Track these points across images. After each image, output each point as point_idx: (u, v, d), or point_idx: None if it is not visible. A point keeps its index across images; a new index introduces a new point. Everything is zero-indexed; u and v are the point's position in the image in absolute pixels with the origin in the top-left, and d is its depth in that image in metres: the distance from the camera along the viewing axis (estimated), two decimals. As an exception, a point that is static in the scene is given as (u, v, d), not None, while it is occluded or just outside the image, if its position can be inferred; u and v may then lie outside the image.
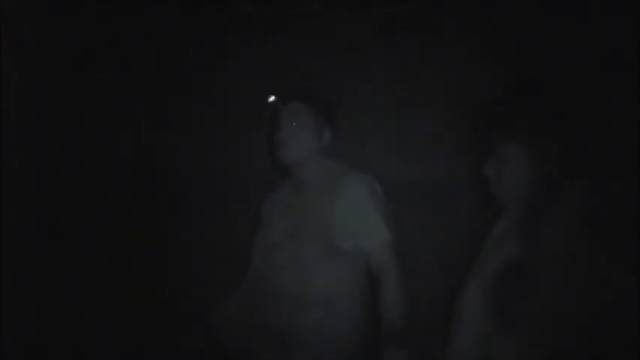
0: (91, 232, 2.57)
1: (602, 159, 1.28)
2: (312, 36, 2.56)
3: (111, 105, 2.68)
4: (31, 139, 2.46)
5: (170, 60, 2.72)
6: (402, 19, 2.45)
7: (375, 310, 1.81)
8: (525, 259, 1.17)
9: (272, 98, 1.93)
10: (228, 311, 1.89)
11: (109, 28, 2.62)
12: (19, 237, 2.32)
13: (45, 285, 2.41)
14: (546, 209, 1.20)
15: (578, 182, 1.21)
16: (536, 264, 1.15)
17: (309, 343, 1.77)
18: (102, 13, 2.57)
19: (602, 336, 1.08)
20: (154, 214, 2.67)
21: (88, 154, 2.63)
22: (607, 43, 2.03)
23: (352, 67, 2.50)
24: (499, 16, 2.25)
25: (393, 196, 1.95)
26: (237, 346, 1.87)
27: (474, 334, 1.24)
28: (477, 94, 1.34)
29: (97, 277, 2.54)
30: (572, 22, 2.12)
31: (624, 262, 1.11)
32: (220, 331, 1.87)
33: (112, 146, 2.68)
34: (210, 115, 2.71)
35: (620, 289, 1.09)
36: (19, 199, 2.35)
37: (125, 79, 2.67)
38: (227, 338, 1.87)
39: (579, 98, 1.30)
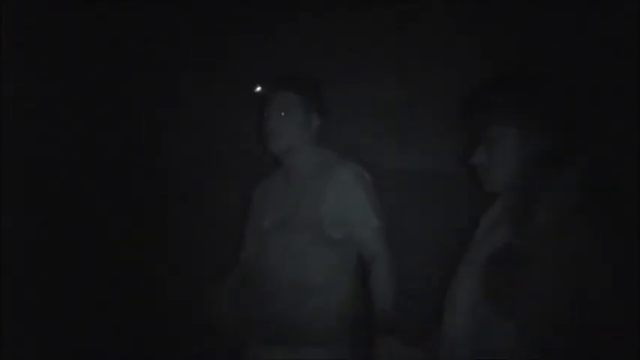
0: (89, 228, 2.57)
1: (596, 142, 1.26)
2: (312, 36, 2.56)
3: (109, 103, 2.68)
4: (30, 138, 2.46)
5: (170, 59, 2.72)
6: (402, 19, 2.45)
7: (367, 298, 1.83)
8: (518, 245, 1.16)
9: (259, 88, 1.95)
10: (220, 296, 1.90)
11: (109, 28, 2.63)
12: (18, 236, 2.33)
13: (44, 284, 2.41)
14: (538, 194, 1.18)
15: (570, 166, 1.19)
16: (529, 250, 1.14)
17: (300, 331, 1.79)
18: (102, 13, 2.57)
19: (599, 321, 1.07)
20: (152, 212, 2.67)
21: (87, 152, 2.63)
22: (607, 42, 2.04)
23: (356, 58, 2.50)
24: (499, 16, 2.25)
25: (391, 186, 1.95)
26: (228, 331, 1.88)
27: (468, 320, 1.23)
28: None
29: (95, 274, 2.54)
30: (572, 21, 2.12)
31: (618, 248, 1.10)
32: (212, 315, 1.87)
33: (110, 144, 2.68)
34: (210, 115, 2.71)
35: (614, 275, 1.08)
36: (19, 198, 2.36)
37: (124, 78, 2.67)
38: (218, 322, 1.87)
39: (572, 85, 1.29)
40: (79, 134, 2.61)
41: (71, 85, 2.58)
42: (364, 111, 2.49)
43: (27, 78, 2.47)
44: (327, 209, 1.82)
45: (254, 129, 2.02)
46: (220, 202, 2.62)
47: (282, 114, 1.88)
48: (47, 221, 2.47)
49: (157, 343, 2.47)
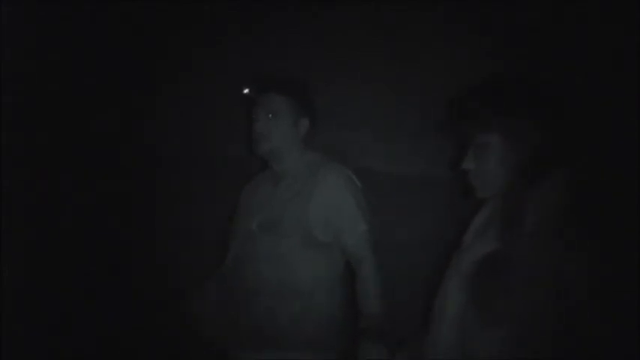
0: (81, 230, 2.59)
1: (583, 148, 1.26)
2: (309, 35, 2.56)
3: (101, 107, 2.69)
4: (28, 139, 2.48)
5: (161, 61, 2.73)
6: (401, 18, 2.44)
7: (353, 302, 1.83)
8: (505, 253, 1.16)
9: (247, 90, 1.95)
10: (205, 299, 1.91)
11: (100, 31, 2.64)
12: (17, 236, 2.35)
13: (41, 284, 2.43)
14: (525, 200, 1.19)
15: (557, 172, 1.19)
16: (516, 256, 1.14)
17: (287, 334, 1.79)
18: (95, 16, 2.59)
19: (586, 328, 1.08)
20: (142, 213, 2.69)
21: (78, 154, 2.65)
22: (605, 43, 2.03)
23: (346, 62, 2.49)
24: (499, 16, 2.24)
25: (380, 189, 1.93)
26: (214, 335, 1.89)
27: (455, 326, 1.23)
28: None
29: (88, 275, 2.56)
30: (572, 21, 2.11)
31: (606, 254, 1.11)
32: (198, 318, 1.89)
33: (103, 140, 2.70)
34: (199, 116, 2.72)
35: (601, 282, 1.09)
36: (16, 198, 2.38)
37: (115, 82, 2.68)
38: (204, 326, 1.89)
39: (561, 89, 1.29)
40: (70, 137, 2.62)
41: (61, 88, 2.59)
42: (353, 114, 2.49)
43: (25, 78, 2.48)
44: (314, 212, 1.82)
45: (244, 130, 2.02)
46: (209, 203, 2.61)
47: (270, 116, 1.88)
48: (42, 222, 2.48)
49: (146, 345, 2.48)
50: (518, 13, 2.17)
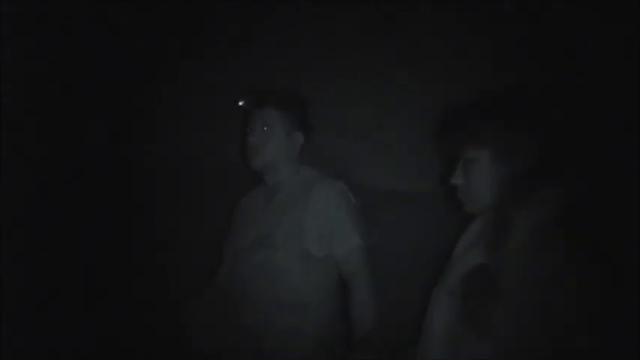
0: (80, 223, 2.58)
1: (572, 164, 1.27)
2: (309, 35, 2.56)
3: (101, 114, 2.69)
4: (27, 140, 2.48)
5: (162, 68, 2.73)
6: (400, 20, 2.44)
7: (346, 316, 1.83)
8: (493, 266, 1.17)
9: (242, 102, 1.94)
10: (199, 311, 1.91)
11: (98, 37, 2.64)
12: (16, 237, 2.35)
13: (39, 284, 2.43)
14: (514, 215, 1.19)
15: (547, 188, 1.20)
16: (504, 271, 1.14)
17: (279, 350, 1.78)
18: (91, 23, 2.59)
19: (574, 342, 1.08)
20: (140, 221, 2.68)
21: (77, 161, 2.65)
22: (605, 43, 2.03)
23: (346, 63, 2.49)
24: (498, 23, 2.24)
25: (374, 204, 1.94)
26: (208, 348, 1.88)
27: (444, 340, 1.24)
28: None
29: (85, 279, 2.56)
30: (572, 22, 2.11)
31: (594, 269, 1.11)
32: (192, 331, 1.88)
33: (103, 140, 2.70)
34: (198, 126, 2.72)
35: (588, 297, 1.09)
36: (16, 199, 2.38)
37: (115, 88, 2.68)
38: (198, 339, 1.88)
39: (554, 102, 1.30)
40: (70, 137, 2.62)
41: (61, 88, 2.59)
42: (349, 130, 2.49)
43: (25, 78, 2.48)
44: (308, 226, 1.81)
45: (242, 131, 2.02)
46: (209, 204, 2.60)
47: (265, 129, 1.88)
48: (42, 222, 2.48)
49: (145, 347, 2.48)
50: (519, 14, 2.17)
